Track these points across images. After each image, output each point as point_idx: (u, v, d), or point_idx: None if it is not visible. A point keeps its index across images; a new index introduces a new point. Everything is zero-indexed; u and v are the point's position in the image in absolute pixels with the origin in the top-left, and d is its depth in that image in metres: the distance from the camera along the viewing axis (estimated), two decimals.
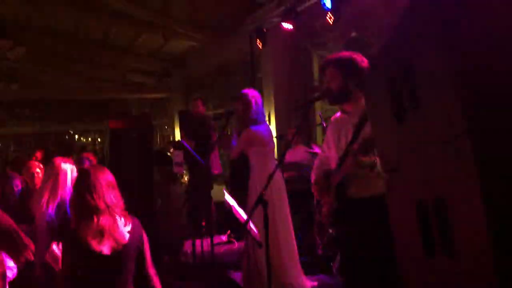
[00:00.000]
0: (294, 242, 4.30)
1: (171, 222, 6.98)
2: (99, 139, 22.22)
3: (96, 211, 2.34)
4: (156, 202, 6.98)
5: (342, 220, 2.97)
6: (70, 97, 14.06)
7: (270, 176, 2.90)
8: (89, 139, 23.75)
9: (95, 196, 2.36)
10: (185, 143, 5.45)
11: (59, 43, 9.84)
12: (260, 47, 6.95)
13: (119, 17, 8.03)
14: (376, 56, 1.60)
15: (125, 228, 2.44)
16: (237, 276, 4.60)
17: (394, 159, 1.46)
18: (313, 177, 3.22)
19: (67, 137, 22.73)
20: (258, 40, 6.83)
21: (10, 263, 2.71)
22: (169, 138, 12.35)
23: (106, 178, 2.46)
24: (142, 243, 2.52)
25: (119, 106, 15.83)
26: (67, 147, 21.10)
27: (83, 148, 18.60)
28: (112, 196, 2.42)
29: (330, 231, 5.02)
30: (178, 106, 11.08)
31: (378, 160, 2.40)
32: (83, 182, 2.43)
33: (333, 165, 3.02)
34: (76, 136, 23.54)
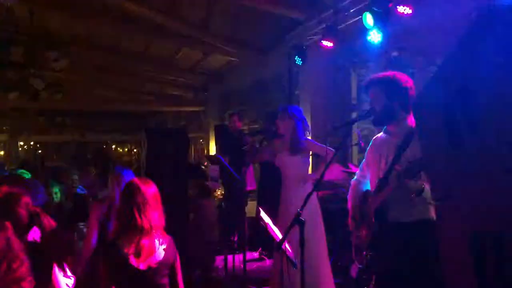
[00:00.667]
0: (328, 263, 4.20)
1: (203, 237, 6.97)
2: (135, 150, 22.65)
3: (140, 231, 2.38)
4: (188, 216, 7.00)
5: (380, 244, 2.88)
6: (110, 108, 14.38)
7: (308, 196, 2.85)
8: (126, 149, 24.26)
9: (142, 216, 2.39)
10: (222, 158, 5.45)
11: (101, 56, 10.12)
12: (299, 64, 6.93)
13: (160, 31, 8.19)
14: (429, 80, 1.54)
15: (161, 246, 2.48)
16: None
17: (447, 187, 1.39)
18: (350, 199, 3.15)
19: (104, 146, 23.29)
20: (297, 57, 6.82)
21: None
22: (203, 151, 12.43)
23: (154, 195, 2.48)
24: (175, 261, 2.56)
25: (156, 118, 16.11)
26: (105, 156, 21.63)
27: (119, 157, 18.99)
28: (157, 216, 2.45)
29: (365, 253, 4.92)
30: (213, 120, 11.17)
31: (426, 186, 2.31)
32: (135, 197, 2.43)
33: (372, 186, 2.95)
34: (114, 146, 24.09)
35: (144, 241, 2.39)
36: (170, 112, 15.32)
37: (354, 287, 4.78)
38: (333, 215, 5.31)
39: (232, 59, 9.31)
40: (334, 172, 5.83)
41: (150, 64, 10.56)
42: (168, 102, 13.44)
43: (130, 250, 2.38)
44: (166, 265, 2.49)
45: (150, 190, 2.49)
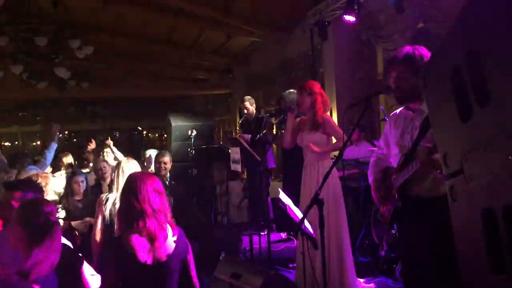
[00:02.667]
0: (349, 243, 4.13)
1: (229, 219, 7.02)
2: (165, 135, 22.95)
3: (142, 214, 2.28)
4: (215, 199, 7.05)
5: (405, 220, 2.81)
6: (138, 95, 14.54)
7: (326, 175, 2.78)
8: (156, 135, 24.60)
9: (140, 200, 2.30)
10: (241, 140, 5.42)
11: (126, 42, 10.18)
12: (322, 41, 6.77)
13: (183, 15, 8.16)
14: (437, 47, 1.44)
15: (171, 237, 2.37)
16: (292, 274, 4.51)
17: (458, 161, 1.30)
18: (370, 176, 3.07)
19: (135, 133, 23.65)
20: (319, 34, 6.67)
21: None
22: (231, 134, 12.46)
23: (152, 184, 2.39)
24: (187, 254, 2.45)
25: (184, 103, 16.21)
26: (136, 142, 21.97)
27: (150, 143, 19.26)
28: (158, 201, 2.35)
29: (393, 231, 4.83)
30: (239, 102, 11.15)
31: None
32: (129, 187, 2.38)
33: (394, 162, 2.86)
34: (144, 132, 24.46)
35: (150, 224, 2.28)
36: (197, 96, 15.39)
37: (382, 265, 4.71)
38: (360, 193, 5.23)
39: (256, 40, 9.21)
40: (362, 151, 5.73)
41: (175, 48, 10.58)
42: (194, 86, 13.48)
43: (136, 240, 2.27)
44: (177, 259, 2.37)
45: (149, 181, 2.40)
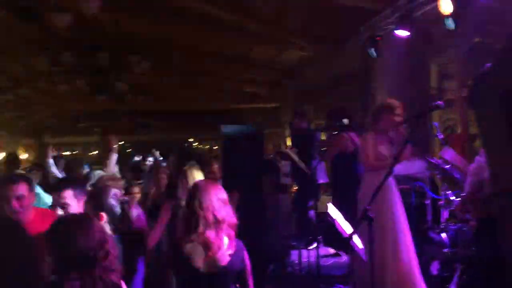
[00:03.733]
0: (411, 256, 4.03)
1: (278, 232, 7.03)
2: (215, 147, 23.30)
3: (203, 223, 2.30)
4: (264, 211, 7.08)
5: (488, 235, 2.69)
6: (190, 107, 14.91)
7: (377, 190, 2.77)
8: (207, 146, 25.04)
9: (205, 210, 2.31)
10: (291, 154, 5.46)
11: (180, 57, 10.51)
12: (374, 56, 6.73)
13: (234, 29, 8.34)
14: (487, 69, 1.44)
15: (227, 250, 2.36)
16: None
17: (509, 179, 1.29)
18: (468, 186, 2.98)
19: (186, 144, 24.18)
20: (371, 49, 6.63)
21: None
22: (280, 147, 12.50)
23: (217, 194, 2.40)
24: (243, 268, 2.43)
25: (234, 116, 16.45)
26: (188, 154, 22.31)
27: (201, 155, 19.61)
28: (223, 211, 2.36)
29: (446, 250, 4.70)
30: (289, 116, 11.19)
31: None
32: (194, 194, 2.40)
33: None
34: (195, 144, 24.97)
35: (209, 234, 2.29)
36: (247, 109, 15.59)
37: (435, 284, 4.59)
38: (411, 210, 5.13)
39: (307, 54, 9.25)
40: (414, 167, 5.62)
41: (226, 62, 10.80)
42: (244, 99, 13.66)
43: (193, 246, 2.31)
44: (230, 272, 2.35)
45: (214, 190, 2.43)
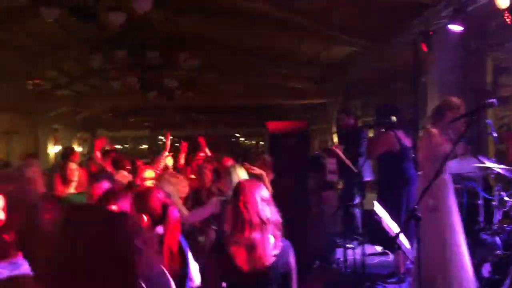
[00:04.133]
0: (465, 256, 3.92)
1: (324, 229, 7.00)
2: (261, 142, 23.42)
3: (248, 223, 2.29)
4: (310, 208, 7.07)
5: None
6: (236, 103, 15.04)
7: (426, 188, 2.71)
8: (252, 142, 25.22)
9: (250, 210, 2.30)
10: (338, 151, 5.41)
11: (228, 54, 10.64)
12: (425, 51, 6.54)
13: (283, 25, 8.34)
14: None
15: (273, 250, 2.34)
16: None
17: None
18: None
19: (233, 139, 24.46)
20: (423, 43, 6.44)
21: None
22: (326, 144, 12.41)
23: (261, 194, 2.38)
24: (288, 269, 2.39)
25: (280, 111, 16.47)
26: (233, 149, 22.68)
27: (247, 150, 19.77)
28: (267, 212, 2.34)
29: (498, 252, 4.54)
30: (336, 112, 11.08)
31: None
32: (238, 194, 2.40)
33: None
34: (242, 139, 25.21)
35: (254, 235, 2.27)
36: (293, 105, 15.55)
37: (486, 287, 4.43)
38: (462, 210, 4.97)
39: (355, 49, 9.12)
40: (467, 166, 5.45)
41: (273, 58, 10.82)
42: (291, 95, 13.65)
43: (238, 247, 2.32)
44: (276, 272, 2.33)
45: (258, 190, 2.40)
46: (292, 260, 2.39)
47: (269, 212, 2.35)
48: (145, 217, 2.61)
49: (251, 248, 2.28)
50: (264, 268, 2.30)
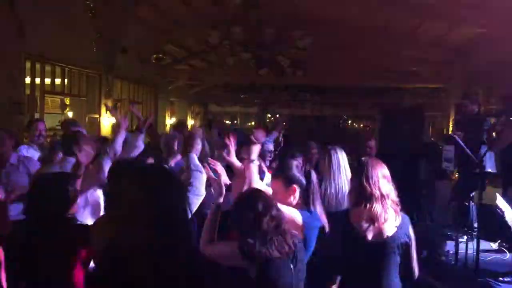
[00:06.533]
0: None
1: (433, 218, 6.71)
2: (370, 126, 22.80)
3: (370, 198, 2.50)
4: (421, 197, 6.80)
5: None
6: (346, 84, 14.74)
7: None
8: (361, 125, 24.65)
9: (372, 185, 2.52)
10: (458, 138, 5.09)
11: (343, 33, 10.40)
12: None
13: (401, 4, 7.95)
14: None
15: (393, 222, 2.53)
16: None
17: None
18: None
19: (340, 121, 24.12)
20: None
21: None
22: (442, 131, 11.74)
23: (382, 171, 2.59)
24: (408, 241, 2.56)
25: (393, 95, 15.84)
26: (341, 130, 22.45)
27: (357, 133, 19.44)
28: (387, 188, 2.55)
29: None
30: (455, 98, 10.39)
31: None
32: (361, 170, 2.60)
33: None
34: (349, 121, 24.76)
35: (376, 208, 2.49)
36: (407, 88, 14.86)
37: None
38: None
39: (483, 31, 8.41)
40: None
41: (390, 39, 10.37)
42: (406, 78, 13.03)
43: (361, 219, 2.52)
44: (395, 243, 2.52)
45: (380, 167, 2.60)
46: (411, 231, 2.57)
47: (389, 188, 2.55)
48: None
49: (374, 219, 2.50)
50: (385, 238, 2.50)
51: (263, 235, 2.27)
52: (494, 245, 5.74)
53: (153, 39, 10.47)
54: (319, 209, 2.86)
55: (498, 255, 5.44)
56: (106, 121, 9.37)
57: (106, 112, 9.17)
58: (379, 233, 2.50)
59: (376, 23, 9.70)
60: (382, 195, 2.49)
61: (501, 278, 4.58)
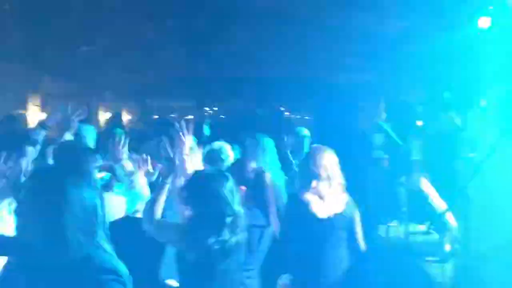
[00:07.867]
0: None
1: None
2: None
3: (317, 177, 2.89)
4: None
5: None
6: None
7: None
8: None
9: (317, 165, 2.94)
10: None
11: None
12: None
13: None
14: None
15: (341, 200, 2.98)
16: None
17: None
18: None
19: None
20: None
21: None
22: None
23: (329, 156, 3.01)
24: (354, 217, 2.99)
25: None
26: None
27: None
28: (333, 171, 2.98)
29: None
30: None
31: None
32: (308, 155, 3.06)
33: None
34: None
35: (322, 187, 2.89)
36: None
37: None
38: None
39: None
40: None
41: None
42: None
43: (311, 196, 2.90)
44: (342, 219, 2.96)
45: (327, 153, 3.09)
46: (356, 212, 3.04)
47: (335, 171, 2.98)
48: None
49: (322, 197, 2.89)
50: (333, 215, 2.93)
51: None
52: (423, 228, 5.96)
53: None
54: None
55: (427, 236, 5.65)
56: None
57: None
58: (327, 209, 2.88)
59: None
60: (328, 177, 2.88)
61: (429, 258, 4.76)
